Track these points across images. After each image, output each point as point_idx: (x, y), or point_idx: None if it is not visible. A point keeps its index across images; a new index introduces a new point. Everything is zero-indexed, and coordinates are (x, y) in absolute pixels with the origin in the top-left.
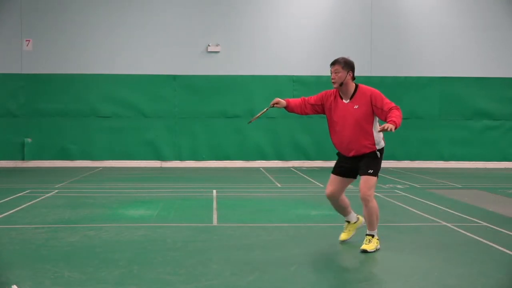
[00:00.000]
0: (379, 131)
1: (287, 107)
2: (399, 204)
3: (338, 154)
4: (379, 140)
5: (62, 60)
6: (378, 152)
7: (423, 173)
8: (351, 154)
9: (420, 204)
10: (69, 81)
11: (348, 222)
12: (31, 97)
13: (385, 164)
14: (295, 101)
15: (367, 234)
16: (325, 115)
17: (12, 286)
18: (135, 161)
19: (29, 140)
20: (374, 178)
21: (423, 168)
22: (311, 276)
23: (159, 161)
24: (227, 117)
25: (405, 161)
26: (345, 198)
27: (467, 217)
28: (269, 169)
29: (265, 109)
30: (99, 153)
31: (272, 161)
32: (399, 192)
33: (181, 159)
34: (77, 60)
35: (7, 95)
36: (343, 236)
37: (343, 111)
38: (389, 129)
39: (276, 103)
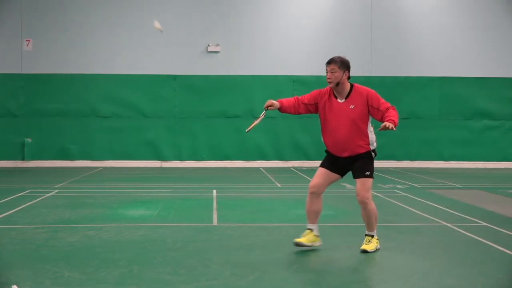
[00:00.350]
0: (380, 130)
1: (280, 108)
2: (399, 204)
3: (328, 153)
4: (373, 140)
5: (62, 60)
6: (372, 153)
7: (423, 173)
8: (345, 154)
9: (420, 204)
10: (69, 81)
11: (311, 230)
12: (31, 97)
13: (385, 164)
14: (288, 101)
15: (366, 235)
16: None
17: (12, 286)
18: (135, 161)
19: (29, 140)
20: (370, 180)
21: (423, 168)
22: (311, 276)
23: (159, 161)
24: (227, 117)
25: (405, 161)
26: (321, 201)
27: (467, 217)
28: (269, 169)
29: (261, 115)
30: (99, 153)
31: (272, 161)
32: (399, 192)
33: (181, 159)
34: (77, 60)
35: (7, 95)
36: (302, 240)
37: (338, 110)
38: (390, 128)
39: (270, 105)
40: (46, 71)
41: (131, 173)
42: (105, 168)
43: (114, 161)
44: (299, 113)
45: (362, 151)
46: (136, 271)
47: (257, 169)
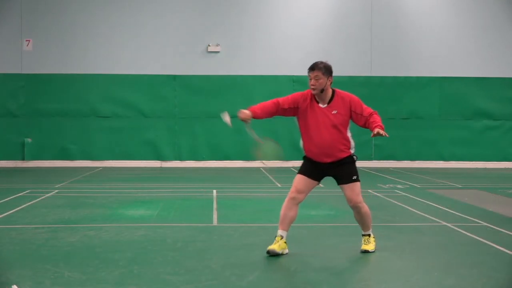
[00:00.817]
0: (372, 137)
1: (253, 118)
2: (399, 204)
3: (307, 159)
4: (354, 144)
5: (62, 60)
6: (355, 156)
7: (423, 173)
8: (327, 160)
9: (420, 204)
10: (69, 81)
11: (281, 237)
12: (31, 97)
13: (385, 164)
14: (263, 109)
15: (364, 235)
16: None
17: (12, 286)
18: (135, 161)
19: (29, 140)
20: (359, 184)
21: (423, 168)
22: (311, 276)
23: (159, 161)
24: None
25: (405, 161)
26: (297, 210)
27: (467, 217)
28: (269, 169)
29: (249, 131)
30: (99, 153)
31: (272, 161)
32: (399, 192)
33: (181, 159)
34: (77, 60)
35: (7, 95)
36: (275, 247)
37: (320, 116)
38: (383, 134)
39: (244, 119)
40: (46, 71)
41: (131, 173)
42: (105, 168)
43: (114, 161)
44: (272, 116)
45: (344, 155)
46: (136, 271)
47: (257, 169)
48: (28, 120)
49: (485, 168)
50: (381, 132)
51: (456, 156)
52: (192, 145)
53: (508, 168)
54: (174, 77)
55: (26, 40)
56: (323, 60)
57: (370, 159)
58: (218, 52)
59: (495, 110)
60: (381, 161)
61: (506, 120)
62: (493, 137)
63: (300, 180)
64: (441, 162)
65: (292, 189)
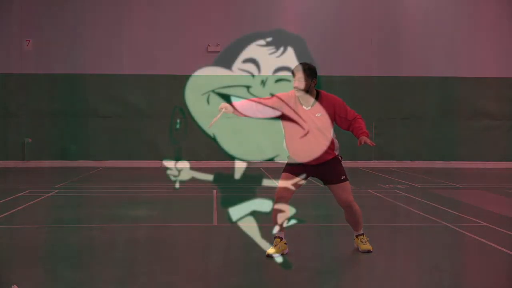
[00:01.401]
0: (359, 145)
1: (234, 113)
2: (399, 204)
3: (291, 159)
4: (338, 145)
5: (62, 60)
6: (340, 157)
7: (423, 173)
8: (314, 162)
9: (420, 204)
10: (69, 81)
11: (281, 238)
12: (31, 97)
13: (385, 164)
14: (244, 104)
15: (359, 235)
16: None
17: (12, 286)
18: (135, 161)
19: (29, 140)
20: (348, 183)
21: (423, 168)
22: (311, 276)
23: (159, 161)
24: (227, 117)
25: (405, 161)
26: (289, 207)
27: (467, 217)
28: (269, 169)
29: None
30: (99, 153)
31: (272, 161)
32: (399, 192)
33: (181, 159)
34: (77, 60)
35: (7, 95)
36: (275, 251)
37: (305, 118)
38: (370, 144)
39: (224, 109)
40: (46, 71)
41: (131, 173)
42: (105, 168)
43: (114, 161)
44: (254, 114)
45: (330, 157)
46: (136, 271)
47: (257, 169)
48: (28, 120)
49: (485, 168)
50: (368, 141)
51: (456, 156)
52: (192, 145)
53: (508, 168)
54: (174, 77)
55: (26, 40)
56: (308, 61)
57: (370, 159)
58: (218, 52)
59: (495, 110)
60: (381, 161)
61: (506, 120)
62: (493, 137)
63: (286, 178)
64: (441, 162)
65: (278, 188)
